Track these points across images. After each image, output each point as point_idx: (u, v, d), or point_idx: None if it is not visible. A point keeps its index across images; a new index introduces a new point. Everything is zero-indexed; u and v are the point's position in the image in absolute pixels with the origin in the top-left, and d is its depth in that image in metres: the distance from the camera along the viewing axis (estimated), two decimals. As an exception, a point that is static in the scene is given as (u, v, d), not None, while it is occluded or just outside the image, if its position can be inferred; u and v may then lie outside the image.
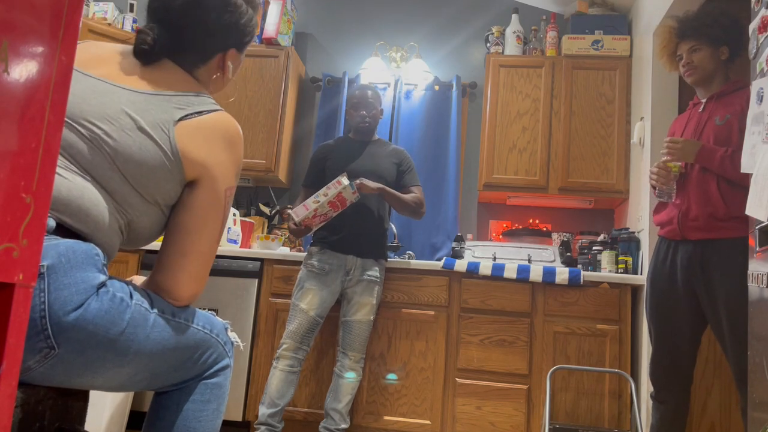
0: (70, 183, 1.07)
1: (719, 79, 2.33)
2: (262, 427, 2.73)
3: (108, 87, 1.15)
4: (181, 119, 1.15)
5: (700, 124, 2.31)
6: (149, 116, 1.14)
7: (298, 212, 2.66)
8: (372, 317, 2.91)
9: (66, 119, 1.09)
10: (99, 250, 1.07)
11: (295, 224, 2.69)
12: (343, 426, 2.81)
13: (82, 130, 1.10)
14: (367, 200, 2.89)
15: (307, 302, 2.81)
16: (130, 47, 1.24)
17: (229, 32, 1.27)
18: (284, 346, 2.78)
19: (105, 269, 1.07)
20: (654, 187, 2.36)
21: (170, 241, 1.19)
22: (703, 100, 2.36)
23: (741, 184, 2.04)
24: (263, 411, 2.73)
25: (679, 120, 2.47)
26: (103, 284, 1.04)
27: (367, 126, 3.00)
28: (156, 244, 3.02)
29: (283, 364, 2.76)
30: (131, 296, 1.07)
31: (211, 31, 1.25)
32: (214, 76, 1.30)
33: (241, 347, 1.39)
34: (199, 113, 1.18)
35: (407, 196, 2.93)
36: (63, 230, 1.05)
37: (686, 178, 2.27)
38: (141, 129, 1.12)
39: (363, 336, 2.88)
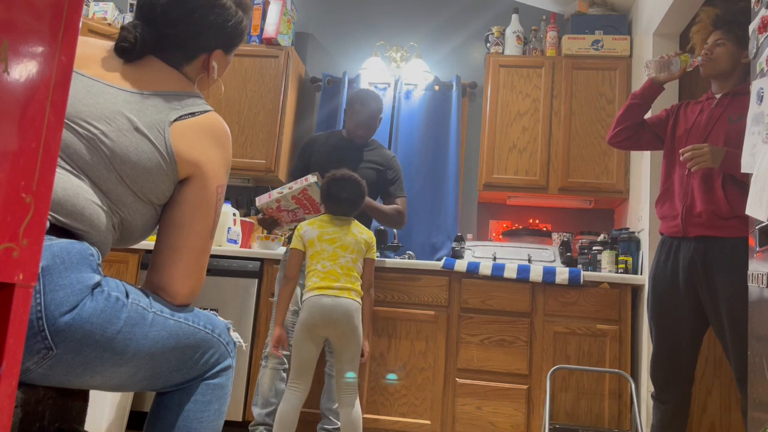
0: (66, 182, 1.07)
1: (735, 79, 2.30)
2: (261, 428, 2.72)
3: (102, 87, 1.15)
4: (175, 120, 1.17)
5: (712, 120, 2.28)
6: (145, 117, 1.15)
7: (262, 198, 2.67)
8: None
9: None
10: (94, 250, 1.07)
11: (260, 212, 2.71)
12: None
13: (80, 130, 1.10)
14: None
15: None
16: (112, 44, 1.24)
17: (214, 33, 1.28)
18: (270, 344, 2.77)
19: (100, 269, 1.07)
20: (648, 65, 2.37)
21: (162, 238, 1.20)
22: (717, 96, 2.33)
23: None
24: (258, 411, 2.73)
25: (691, 109, 2.42)
26: (98, 284, 1.04)
27: (359, 140, 2.99)
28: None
29: (272, 363, 2.77)
30: (127, 295, 1.07)
31: (195, 31, 1.25)
32: (200, 76, 1.31)
33: (244, 347, 1.39)
34: (192, 114, 1.20)
35: (387, 208, 2.93)
36: (57, 230, 1.05)
37: (692, 174, 2.26)
38: (137, 129, 1.13)
39: None
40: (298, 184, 2.62)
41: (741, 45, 2.26)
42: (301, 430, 3.11)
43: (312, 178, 2.60)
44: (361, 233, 2.50)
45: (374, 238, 2.56)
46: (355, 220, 2.56)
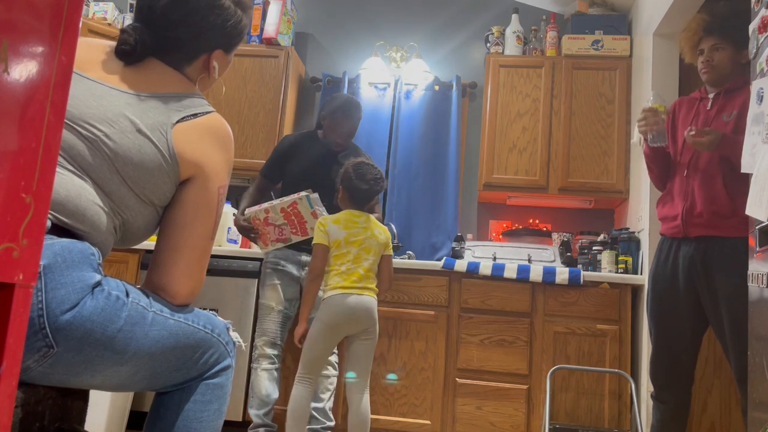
0: (69, 183, 1.07)
1: (731, 79, 2.29)
2: (261, 429, 2.72)
3: (105, 89, 1.16)
4: (178, 121, 1.18)
5: (708, 121, 2.27)
6: (148, 118, 1.15)
7: (252, 207, 2.66)
8: None
9: (66, 121, 1.10)
10: (95, 250, 1.07)
11: (244, 219, 2.67)
12: (329, 424, 2.79)
13: (83, 132, 1.11)
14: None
15: (269, 297, 2.84)
16: (113, 44, 1.24)
17: (214, 33, 1.28)
18: (259, 345, 2.80)
19: (100, 268, 1.07)
20: (646, 138, 2.33)
21: (163, 238, 1.20)
22: (710, 96, 2.32)
23: None
24: (255, 413, 2.74)
25: (686, 110, 2.41)
26: (98, 283, 1.04)
27: (339, 149, 2.97)
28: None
29: (263, 364, 2.78)
30: (127, 294, 1.08)
31: (195, 32, 1.26)
32: (201, 76, 1.32)
33: (243, 347, 1.39)
34: (194, 115, 1.21)
35: None
36: (59, 230, 1.05)
37: (692, 175, 2.26)
38: (140, 131, 1.14)
39: None
40: (289, 197, 2.62)
41: (739, 47, 2.26)
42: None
43: (302, 193, 2.59)
44: (380, 234, 2.54)
45: (390, 236, 2.60)
46: (373, 218, 2.58)
